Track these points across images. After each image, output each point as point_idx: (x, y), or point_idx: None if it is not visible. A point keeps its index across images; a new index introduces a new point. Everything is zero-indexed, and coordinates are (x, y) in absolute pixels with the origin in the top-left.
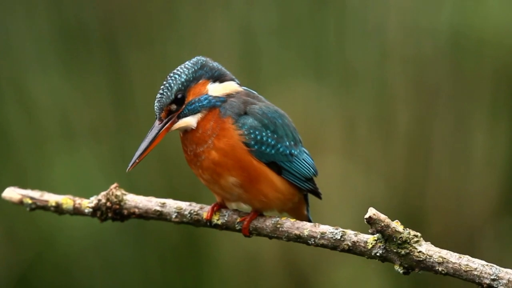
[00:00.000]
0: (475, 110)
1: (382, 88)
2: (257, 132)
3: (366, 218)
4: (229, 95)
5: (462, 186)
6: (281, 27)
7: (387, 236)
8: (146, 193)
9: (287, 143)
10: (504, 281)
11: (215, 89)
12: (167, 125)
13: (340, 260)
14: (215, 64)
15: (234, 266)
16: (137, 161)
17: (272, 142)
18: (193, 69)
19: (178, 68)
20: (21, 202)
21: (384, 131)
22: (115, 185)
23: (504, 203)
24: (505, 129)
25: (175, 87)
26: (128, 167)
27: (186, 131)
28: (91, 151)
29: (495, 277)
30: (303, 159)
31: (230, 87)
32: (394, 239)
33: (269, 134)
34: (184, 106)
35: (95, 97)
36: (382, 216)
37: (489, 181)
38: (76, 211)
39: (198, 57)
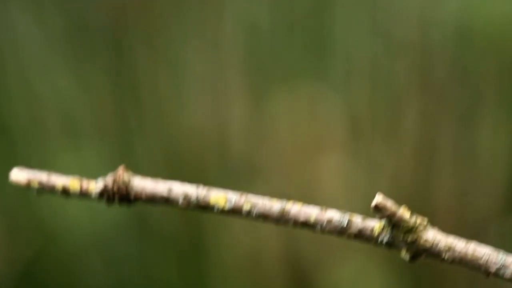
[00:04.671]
0: (481, 108)
1: (387, 86)
2: None
3: (373, 205)
4: None
5: (468, 184)
6: (286, 26)
7: (393, 223)
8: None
9: None
10: None
11: None
12: None
13: (342, 258)
14: None
15: (235, 264)
16: None
17: None
18: None
19: None
20: (28, 185)
21: (389, 130)
22: (122, 167)
23: (510, 202)
24: (510, 127)
25: None
26: None
27: None
28: (95, 149)
29: (501, 266)
30: None
31: None
32: (401, 226)
33: None
34: None
35: (98, 95)
36: (389, 203)
37: (494, 179)
38: (83, 194)
39: None
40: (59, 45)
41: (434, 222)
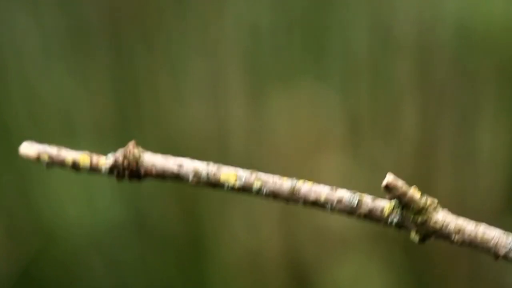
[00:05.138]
0: (481, 108)
1: (387, 86)
2: None
3: (383, 184)
4: None
5: (467, 184)
6: (286, 26)
7: (404, 203)
8: None
9: None
10: None
11: None
12: None
13: (342, 258)
14: None
15: (235, 264)
16: None
17: None
18: None
19: None
20: (37, 159)
21: (389, 130)
22: (132, 142)
23: (510, 202)
24: (510, 127)
25: None
26: None
27: None
28: (94, 149)
29: (510, 249)
30: None
31: None
32: (411, 207)
33: None
34: None
35: (98, 94)
36: (400, 183)
37: (494, 179)
38: (93, 169)
39: None
40: (59, 45)
41: None
